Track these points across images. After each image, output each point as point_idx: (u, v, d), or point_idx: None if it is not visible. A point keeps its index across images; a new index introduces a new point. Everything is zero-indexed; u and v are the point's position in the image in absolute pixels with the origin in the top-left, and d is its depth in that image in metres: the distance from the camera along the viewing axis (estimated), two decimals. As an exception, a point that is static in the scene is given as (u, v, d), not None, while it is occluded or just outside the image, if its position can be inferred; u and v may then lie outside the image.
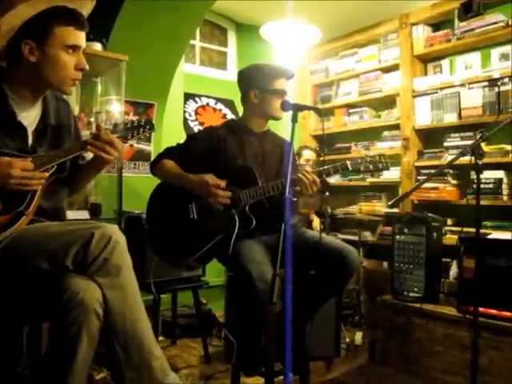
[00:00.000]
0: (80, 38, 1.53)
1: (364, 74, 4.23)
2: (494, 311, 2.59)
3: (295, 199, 2.07)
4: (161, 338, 3.21)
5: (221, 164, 2.20)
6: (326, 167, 2.06)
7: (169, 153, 2.31)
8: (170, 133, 3.61)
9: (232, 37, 4.70)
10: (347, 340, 3.10)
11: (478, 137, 1.76)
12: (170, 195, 2.24)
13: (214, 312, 3.44)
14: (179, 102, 4.02)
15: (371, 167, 2.04)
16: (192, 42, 4.39)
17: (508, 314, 2.54)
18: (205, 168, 2.16)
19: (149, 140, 3.48)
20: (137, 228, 2.73)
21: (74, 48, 1.52)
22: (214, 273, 3.38)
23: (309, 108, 1.88)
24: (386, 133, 4.06)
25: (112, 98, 3.02)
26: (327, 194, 3.29)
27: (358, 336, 3.18)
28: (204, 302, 3.54)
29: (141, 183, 3.22)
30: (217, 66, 4.59)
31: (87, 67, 1.55)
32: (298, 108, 1.77)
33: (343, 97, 4.42)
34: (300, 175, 2.00)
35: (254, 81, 2.28)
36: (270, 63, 2.37)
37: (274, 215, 1.56)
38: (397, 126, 3.93)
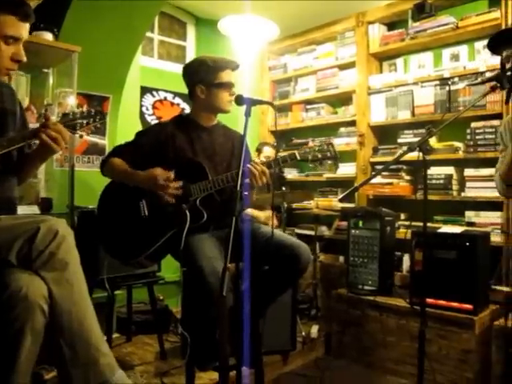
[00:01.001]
0: (22, 29, 1.48)
1: (321, 71, 4.27)
2: (443, 302, 2.68)
3: (246, 192, 2.07)
4: (116, 335, 3.17)
5: (170, 159, 2.18)
6: (274, 158, 2.07)
7: (117, 151, 2.27)
8: (126, 127, 3.54)
9: (191, 31, 4.66)
10: (303, 333, 3.14)
11: (425, 133, 1.80)
12: (121, 192, 2.20)
13: (170, 308, 3.41)
14: (135, 95, 3.96)
15: (319, 156, 2.06)
16: (150, 35, 4.33)
17: (456, 304, 2.64)
18: (154, 164, 2.14)
19: (103, 133, 3.41)
20: (91, 223, 2.68)
21: (14, 39, 1.47)
22: (171, 268, 3.34)
23: (262, 102, 1.88)
24: (342, 129, 4.12)
25: (65, 90, 2.95)
26: (284, 189, 3.33)
27: (314, 329, 3.22)
28: (161, 298, 3.51)
29: (95, 177, 3.12)
30: (175, 60, 4.54)
31: (24, 59, 1.51)
32: (251, 102, 1.77)
33: (301, 93, 4.46)
34: (249, 166, 2.00)
35: (198, 76, 2.25)
36: (215, 55, 2.34)
37: (225, 209, 1.56)
38: (353, 123, 3.99)
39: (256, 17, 3.61)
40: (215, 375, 2.41)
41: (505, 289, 1.67)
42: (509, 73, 2.02)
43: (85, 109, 1.60)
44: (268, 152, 3.90)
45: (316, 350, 3.16)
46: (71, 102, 2.88)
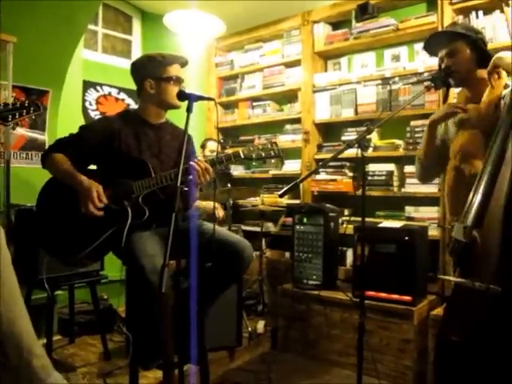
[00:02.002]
0: None
1: (268, 68, 4.30)
2: (383, 295, 2.77)
3: (187, 189, 2.06)
4: (58, 337, 3.08)
5: (114, 155, 2.13)
6: (218, 155, 2.07)
7: (60, 145, 2.20)
8: (68, 122, 3.41)
9: (137, 25, 4.57)
10: (250, 329, 3.16)
11: (364, 130, 1.85)
12: (61, 189, 2.12)
13: (115, 307, 3.34)
14: (78, 89, 3.84)
15: (263, 155, 2.08)
16: (94, 27, 4.21)
17: (396, 296, 2.73)
18: (98, 159, 2.08)
19: (42, 128, 3.28)
20: (29, 221, 2.58)
21: None
22: (115, 267, 3.25)
23: (203, 98, 1.87)
24: (288, 126, 4.17)
25: (-1, 82, 2.82)
26: (229, 185, 3.33)
27: (260, 325, 3.25)
28: (105, 297, 3.44)
29: (33, 174, 3.02)
30: (121, 55, 4.44)
31: None
32: (193, 98, 1.76)
33: (247, 90, 4.47)
34: (192, 163, 1.99)
35: (147, 70, 2.22)
36: (163, 52, 2.32)
37: (168, 206, 1.54)
38: (298, 120, 4.04)
39: (202, 13, 3.59)
40: (160, 374, 2.38)
41: (451, 278, 1.74)
42: (442, 73, 2.11)
43: (18, 100, 1.53)
44: (212, 146, 3.90)
45: (262, 346, 3.18)
46: (6, 94, 2.76)
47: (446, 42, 2.13)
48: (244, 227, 4.10)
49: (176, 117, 2.43)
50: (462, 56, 2.09)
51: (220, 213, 3.70)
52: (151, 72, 2.21)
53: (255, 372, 2.80)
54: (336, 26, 4.02)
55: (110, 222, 2.03)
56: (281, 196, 1.72)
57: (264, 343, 3.21)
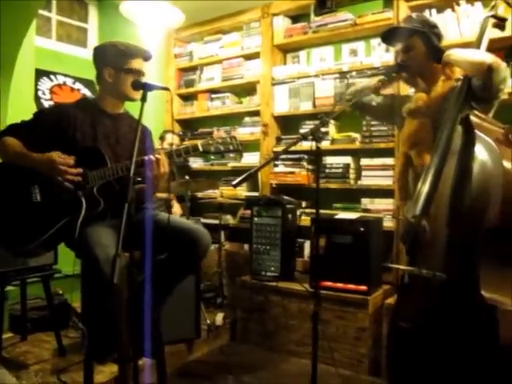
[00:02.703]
0: None
1: (227, 60, 4.28)
2: (340, 285, 2.82)
3: (140, 180, 2.02)
4: (9, 335, 2.99)
5: (69, 143, 2.07)
6: (176, 148, 2.05)
7: (12, 130, 2.12)
8: (19, 111, 3.27)
9: (93, 12, 4.45)
10: (208, 321, 3.16)
11: (318, 123, 1.87)
12: (10, 176, 2.05)
13: (71, 302, 3.26)
14: (29, 78, 3.69)
15: (222, 148, 2.07)
16: (47, 14, 4.08)
17: (352, 286, 2.79)
18: (52, 146, 2.01)
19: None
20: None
21: None
22: (69, 261, 3.18)
23: (157, 87, 1.84)
24: (247, 119, 4.17)
25: None
26: (187, 177, 3.31)
27: (219, 317, 3.26)
28: (60, 292, 3.35)
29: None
30: (76, 43, 4.32)
31: None
32: (147, 87, 1.74)
33: (206, 82, 4.44)
34: (148, 157, 1.95)
35: (108, 58, 2.16)
36: (129, 42, 2.27)
37: (124, 197, 1.51)
38: (257, 113, 4.04)
39: (161, 2, 3.53)
40: (116, 368, 2.35)
41: (400, 266, 1.80)
42: (397, 68, 2.17)
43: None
44: (171, 139, 3.86)
45: (221, 338, 3.19)
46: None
47: (402, 37, 2.18)
48: (203, 220, 4.09)
49: (135, 108, 2.38)
50: (416, 51, 2.14)
51: (176, 209, 3.68)
52: (112, 61, 2.15)
53: (214, 364, 2.80)
54: (295, 19, 4.04)
55: (64, 212, 1.98)
56: (235, 186, 1.72)
57: (223, 335, 3.22)
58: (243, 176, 1.71)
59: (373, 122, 3.41)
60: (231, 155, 4.09)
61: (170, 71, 4.62)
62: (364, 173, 3.47)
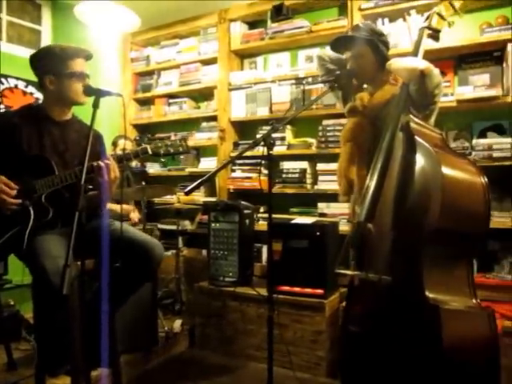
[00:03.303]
0: None
1: (185, 65, 4.26)
2: (297, 289, 2.85)
3: (91, 187, 1.99)
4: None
5: (14, 153, 2.01)
6: (125, 152, 2.02)
7: None
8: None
9: (47, 14, 4.33)
10: (166, 328, 3.13)
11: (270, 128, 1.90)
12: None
13: (23, 313, 3.15)
14: (-23, 81, 3.58)
15: (172, 151, 2.06)
16: (-5, 14, 3.95)
17: (309, 290, 2.82)
18: None
19: None
20: None
21: None
22: (20, 270, 3.09)
23: (111, 94, 1.81)
24: (204, 124, 4.16)
25: None
26: (144, 183, 3.27)
27: (177, 323, 3.23)
28: (11, 303, 3.23)
29: None
30: (28, 45, 4.18)
31: None
32: (100, 94, 1.71)
33: (164, 86, 4.40)
34: (96, 162, 1.90)
35: (46, 65, 2.11)
36: (64, 44, 2.20)
37: (74, 205, 1.48)
38: (214, 118, 4.05)
39: (116, 5, 3.48)
40: (69, 380, 2.29)
41: (348, 272, 1.83)
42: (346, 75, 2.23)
43: None
44: (123, 145, 3.79)
45: (179, 345, 3.16)
46: None
47: (351, 45, 2.24)
48: (160, 226, 4.05)
49: (85, 113, 2.34)
50: (365, 59, 2.22)
51: (135, 216, 3.63)
52: (51, 67, 2.09)
53: (172, 372, 2.77)
54: (252, 25, 4.07)
55: (12, 222, 1.92)
56: (187, 194, 1.72)
57: (181, 342, 3.19)
58: (195, 183, 1.71)
59: (329, 128, 3.47)
60: (186, 159, 4.08)
61: (127, 75, 4.56)
62: (320, 177, 3.52)
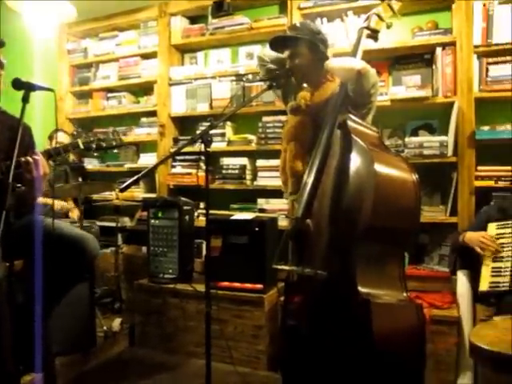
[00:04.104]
0: None
1: (124, 59, 4.16)
2: (237, 284, 2.88)
3: (19, 185, 1.91)
4: None
5: None
6: (54, 147, 1.95)
7: None
8: None
9: (-26, 2, 4.09)
10: (105, 328, 3.07)
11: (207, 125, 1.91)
12: None
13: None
14: None
15: (104, 145, 2.02)
16: None
17: (248, 285, 2.86)
18: None
19: None
20: None
21: None
22: None
23: (42, 88, 1.74)
24: (144, 119, 4.09)
25: None
26: (81, 179, 3.18)
27: (116, 322, 3.18)
28: None
29: None
30: (-48, 34, 3.95)
31: None
32: (30, 88, 1.65)
33: (102, 80, 4.28)
34: (26, 157, 1.83)
35: None
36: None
37: (0, 204, 1.41)
38: (154, 113, 3.99)
39: (49, -6, 3.35)
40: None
41: (285, 267, 1.87)
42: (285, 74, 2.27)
43: None
44: (61, 138, 3.67)
45: (119, 344, 3.12)
46: None
47: (289, 45, 2.28)
48: (99, 223, 3.94)
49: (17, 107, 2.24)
50: (302, 59, 2.26)
51: (75, 213, 3.53)
52: None
53: (110, 372, 2.73)
54: (193, 20, 4.03)
55: None
56: (122, 191, 1.69)
57: (121, 341, 3.14)
58: (131, 180, 1.68)
59: (268, 125, 3.52)
60: (127, 156, 4.01)
61: (63, 67, 4.39)
62: (260, 173, 3.55)
